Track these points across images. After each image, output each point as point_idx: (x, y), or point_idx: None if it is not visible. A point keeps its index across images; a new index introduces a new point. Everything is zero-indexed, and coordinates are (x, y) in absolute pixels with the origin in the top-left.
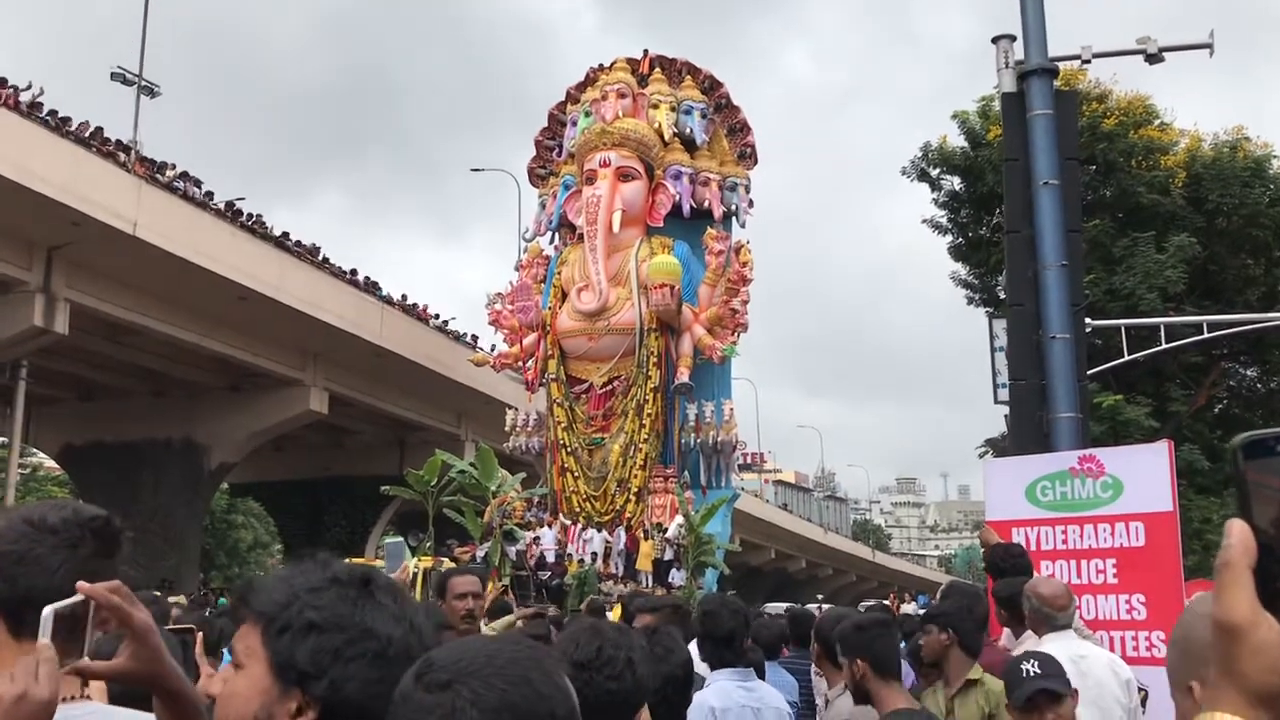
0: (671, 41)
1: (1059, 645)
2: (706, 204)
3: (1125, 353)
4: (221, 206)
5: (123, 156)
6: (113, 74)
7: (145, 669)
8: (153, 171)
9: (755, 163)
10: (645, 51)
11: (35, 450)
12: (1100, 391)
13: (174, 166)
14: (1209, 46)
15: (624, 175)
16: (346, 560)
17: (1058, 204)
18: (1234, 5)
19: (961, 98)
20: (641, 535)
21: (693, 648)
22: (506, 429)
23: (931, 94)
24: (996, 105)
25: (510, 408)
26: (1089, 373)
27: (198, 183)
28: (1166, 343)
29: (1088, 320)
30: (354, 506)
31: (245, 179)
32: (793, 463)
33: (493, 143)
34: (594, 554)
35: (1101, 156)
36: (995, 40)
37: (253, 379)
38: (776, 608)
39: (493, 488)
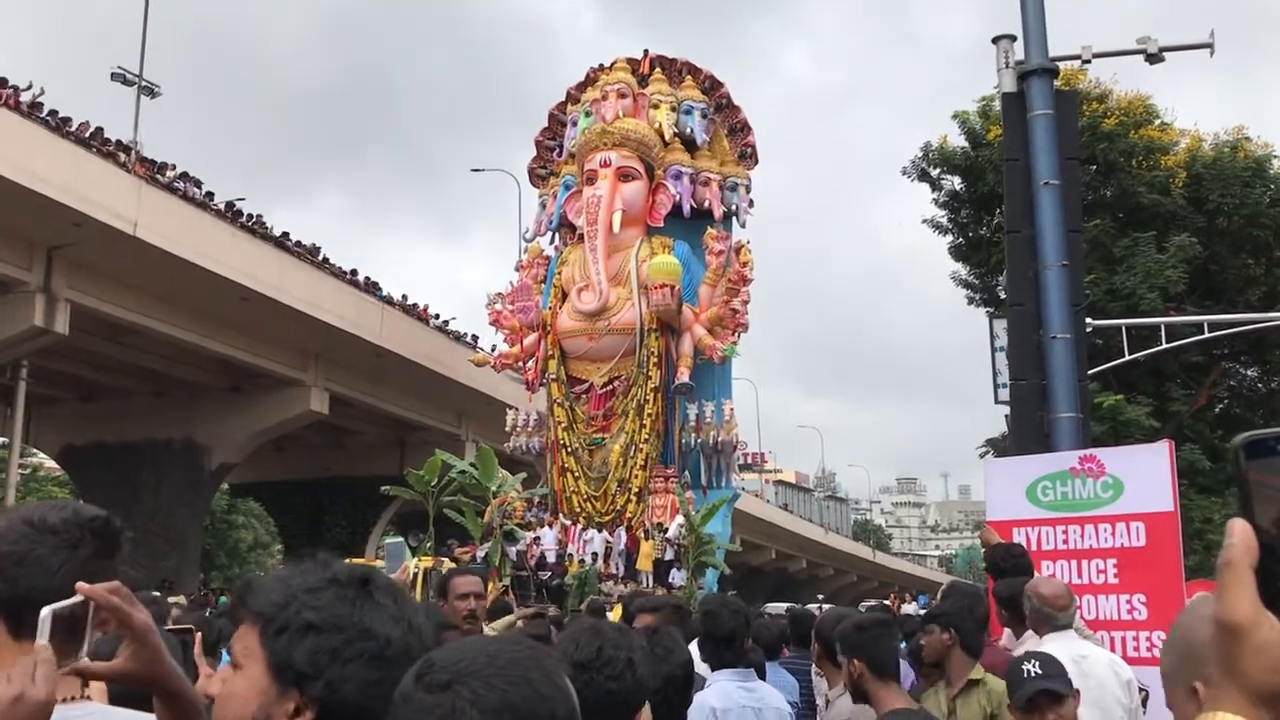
0: (671, 41)
1: (1060, 645)
2: (707, 204)
3: (1126, 353)
4: (222, 207)
5: (123, 157)
6: (113, 74)
7: (145, 669)
8: (153, 172)
9: (756, 163)
10: (646, 51)
11: (36, 450)
12: (1101, 391)
13: (174, 167)
14: (1209, 46)
15: (624, 175)
16: (347, 560)
17: (1058, 204)
18: (1234, 5)
19: (962, 98)
20: (642, 535)
21: (693, 648)
22: (507, 429)
23: (931, 94)
24: (997, 105)
25: (511, 408)
26: (1089, 373)
27: (198, 183)
28: (1167, 343)
29: (1088, 320)
30: (354, 507)
31: (245, 179)
32: (793, 463)
33: (493, 143)
34: (594, 554)
35: (1102, 156)
36: (995, 40)
37: (253, 379)
38: (777, 608)
39: (493, 488)
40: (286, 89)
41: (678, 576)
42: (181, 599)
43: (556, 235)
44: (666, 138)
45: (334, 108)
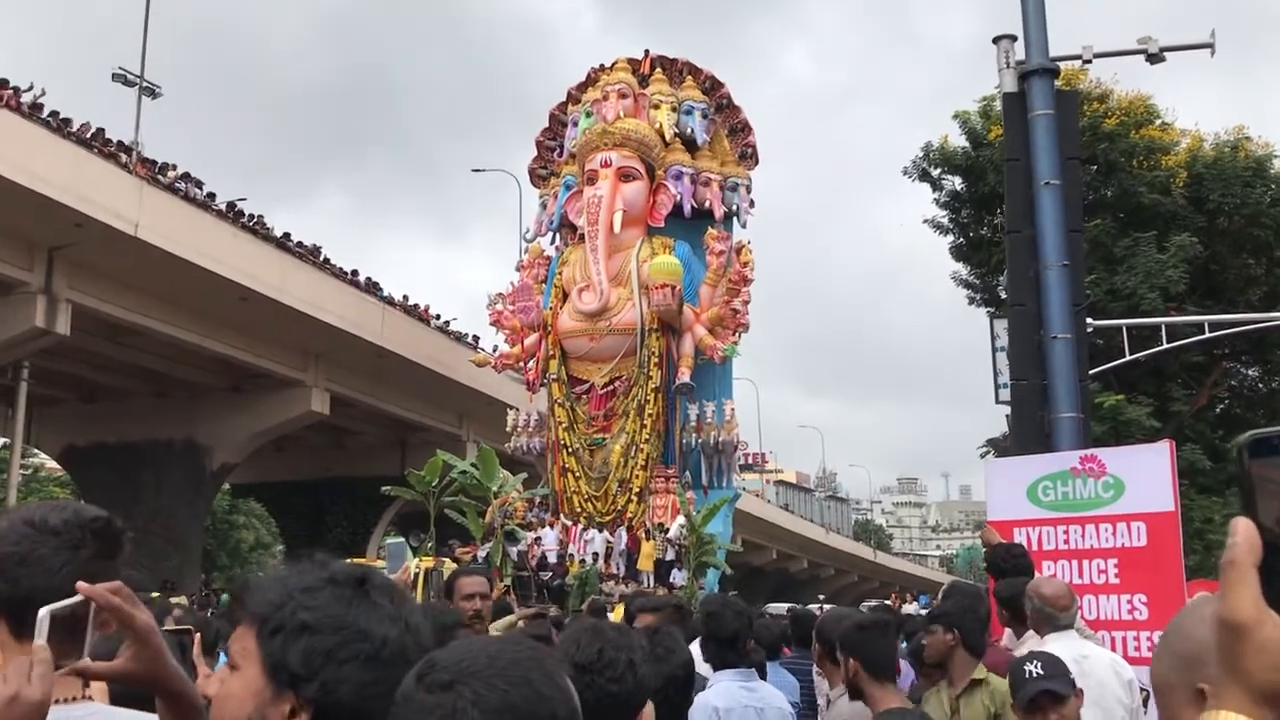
0: (671, 41)
1: (1061, 645)
2: (707, 204)
3: (1127, 352)
4: (223, 207)
5: (124, 157)
6: (114, 75)
7: (146, 670)
8: (154, 172)
9: (756, 163)
10: (646, 52)
11: (37, 451)
12: (1102, 391)
13: (175, 167)
14: (1210, 46)
15: (625, 175)
16: (347, 561)
17: (1059, 204)
18: (1235, 5)
19: (962, 98)
20: (643, 535)
21: (694, 648)
22: (508, 429)
23: (932, 94)
24: (998, 105)
25: (511, 408)
26: (1090, 373)
27: (199, 184)
28: (1168, 342)
29: (1089, 320)
30: (355, 507)
31: (246, 180)
32: (794, 463)
33: (493, 143)
34: (595, 554)
35: (1103, 156)
36: (996, 40)
37: (254, 380)
38: (778, 608)
39: (494, 488)
40: (287, 89)
41: (679, 577)
42: (183, 599)
43: (557, 235)
44: (667, 138)
45: (334, 108)
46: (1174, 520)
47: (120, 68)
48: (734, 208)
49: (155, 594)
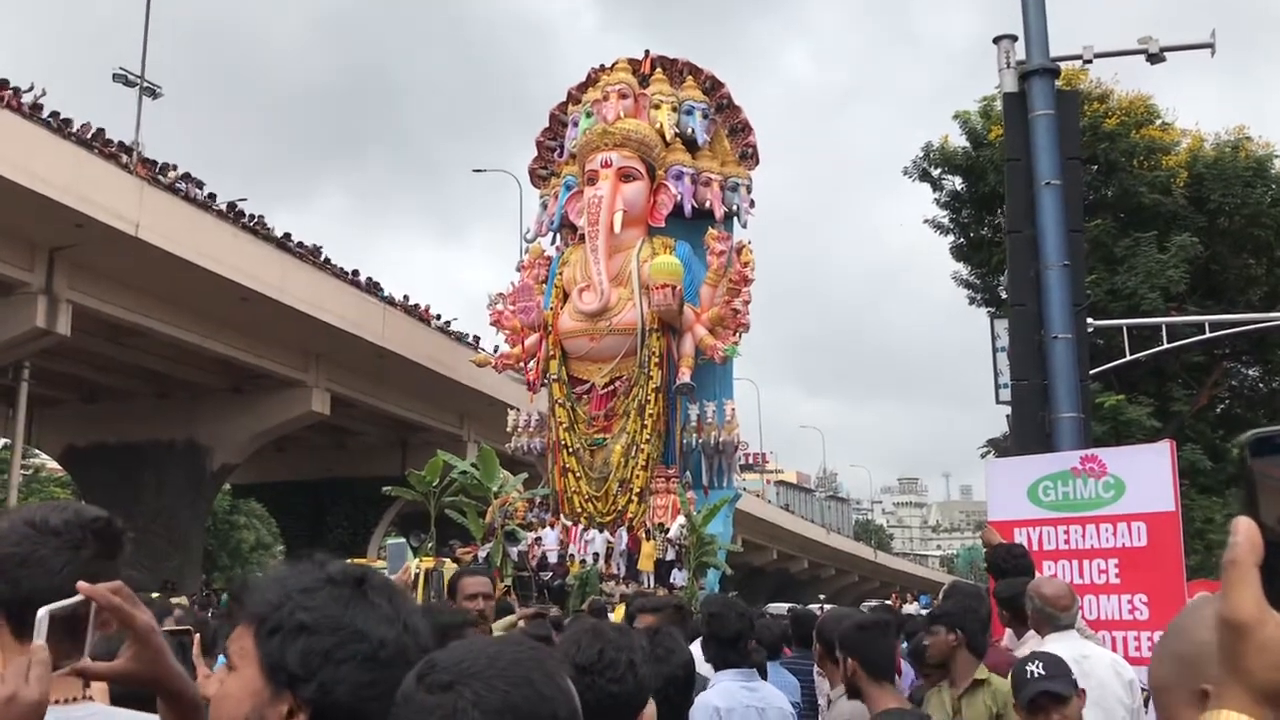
0: (671, 41)
1: (1062, 646)
2: (708, 204)
3: (1127, 352)
4: (223, 208)
5: (125, 158)
6: (114, 75)
7: (147, 670)
8: (154, 173)
9: (756, 163)
10: (646, 52)
11: (38, 451)
12: (1102, 391)
13: (175, 168)
14: (1210, 46)
15: (625, 176)
16: (348, 561)
17: (1059, 204)
18: (1235, 5)
19: (962, 97)
20: (643, 536)
21: (694, 648)
22: (508, 430)
23: (932, 94)
24: (998, 105)
25: (512, 408)
26: (1091, 373)
27: (199, 184)
28: (1168, 342)
29: (1089, 320)
30: (356, 507)
31: (246, 180)
32: (794, 463)
33: (494, 143)
34: (596, 554)
35: (1103, 156)
36: (997, 40)
37: (255, 380)
38: (779, 608)
39: (494, 488)
40: (287, 89)
41: (679, 577)
42: (184, 599)
43: (558, 236)
44: (667, 138)
45: (334, 108)
46: (1175, 520)
47: (121, 68)
48: (734, 208)
49: (155, 594)
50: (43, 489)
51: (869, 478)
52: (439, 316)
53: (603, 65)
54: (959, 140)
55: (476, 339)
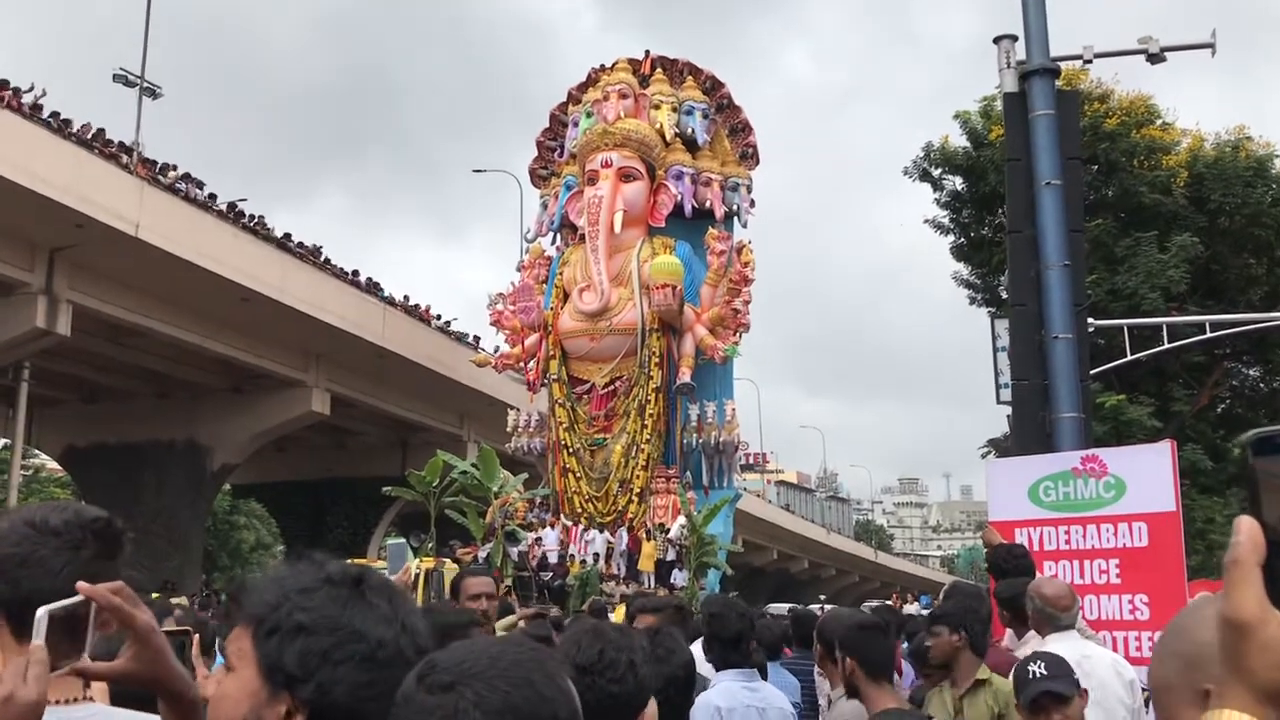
0: (672, 41)
1: (1063, 646)
2: (708, 204)
3: (1128, 352)
4: (224, 208)
5: (125, 158)
6: (114, 75)
7: (147, 670)
8: (155, 173)
9: (757, 163)
10: (647, 52)
11: (38, 452)
12: (1103, 391)
13: (176, 168)
14: (1211, 46)
15: (626, 176)
16: (348, 561)
17: (1060, 204)
18: (1235, 5)
19: (963, 97)
20: (644, 536)
21: (695, 649)
22: (509, 430)
23: (932, 94)
24: (998, 105)
25: (512, 408)
26: (1091, 373)
27: (200, 184)
28: (1169, 342)
29: (1090, 320)
30: (356, 508)
31: (247, 180)
32: (795, 463)
33: (494, 143)
34: (596, 555)
35: (1103, 156)
36: (997, 40)
37: (255, 380)
38: (779, 608)
39: (495, 488)
40: (287, 89)
41: (679, 577)
42: (184, 600)
43: (558, 236)
44: (668, 138)
45: (334, 108)
46: (1175, 520)
47: (121, 68)
48: (734, 208)
49: (155, 594)
50: (43, 489)
51: (869, 478)
52: (439, 317)
53: (603, 65)
54: (959, 140)
55: (477, 339)
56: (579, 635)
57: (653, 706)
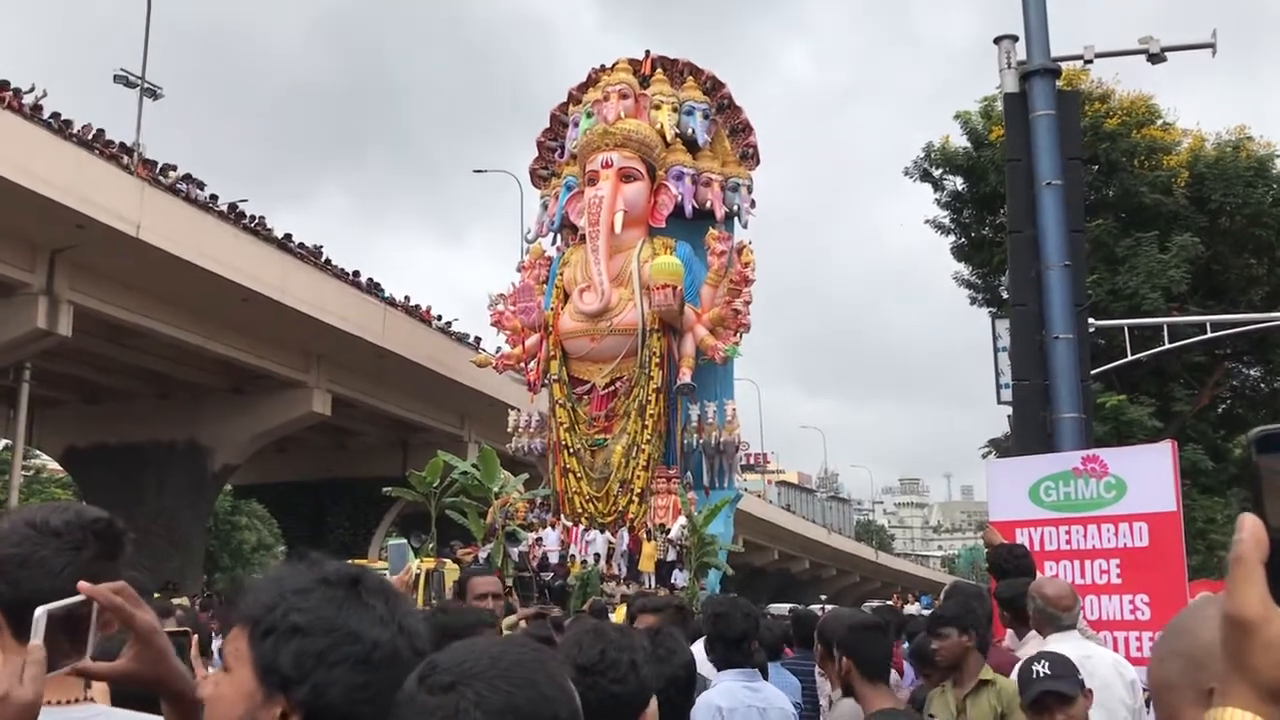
0: (672, 41)
1: (1064, 646)
2: (709, 204)
3: (1128, 353)
4: (224, 209)
5: (126, 159)
6: (115, 76)
7: (149, 670)
8: (155, 174)
9: (757, 163)
10: (647, 52)
11: (39, 452)
12: (1103, 391)
13: (176, 168)
14: (1211, 46)
15: (626, 176)
16: (348, 561)
17: (1060, 204)
18: (1236, 5)
19: (963, 98)
20: (644, 536)
21: (696, 649)
22: (509, 430)
23: (932, 94)
24: (999, 105)
25: (513, 409)
26: (1092, 373)
27: (200, 185)
28: (1170, 343)
29: (1091, 320)
30: (357, 508)
31: (247, 181)
32: (795, 463)
33: (494, 143)
34: (596, 555)
35: (1104, 156)
36: (997, 41)
37: (256, 381)
38: (780, 608)
39: (495, 489)
40: (287, 90)
41: (680, 577)
42: (185, 600)
43: (558, 236)
44: (668, 138)
45: (335, 108)
46: (1176, 520)
47: (121, 69)
48: (735, 208)
49: (156, 594)
50: (44, 490)
51: (870, 478)
52: (439, 317)
53: (603, 66)
54: (960, 140)
55: (477, 339)
56: (580, 635)
57: (653, 707)
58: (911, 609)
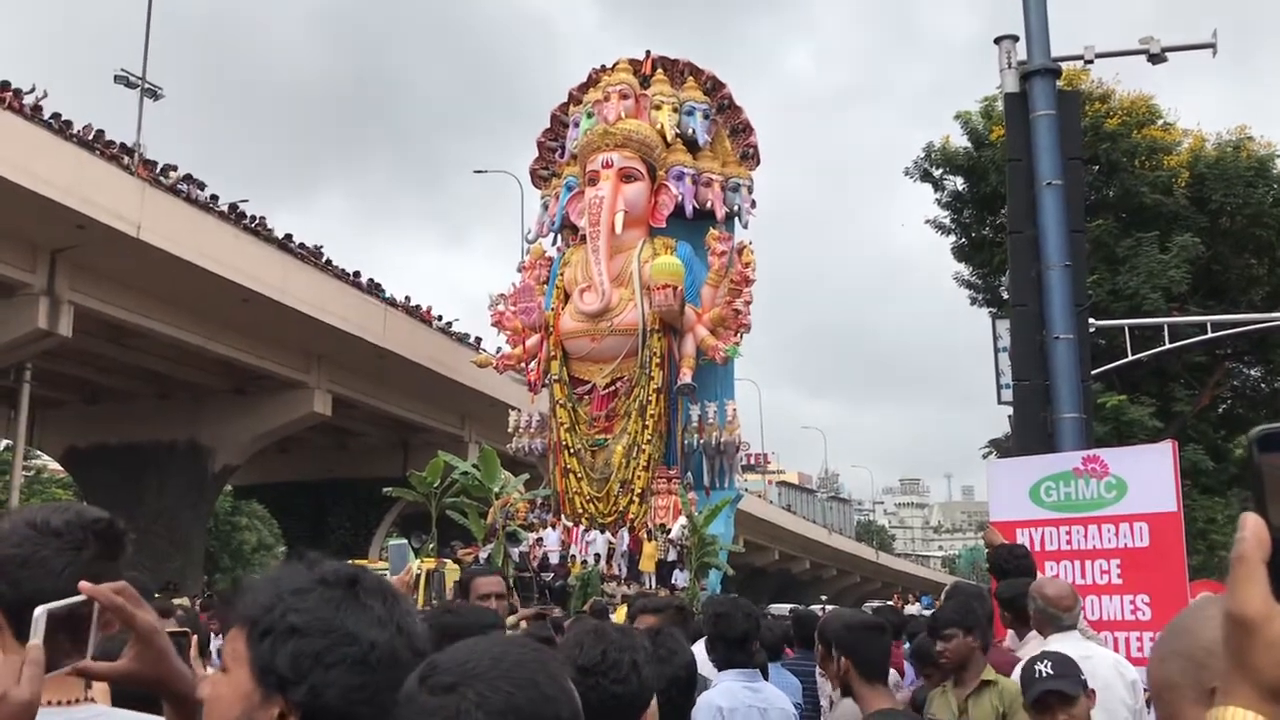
0: (672, 42)
1: (1064, 646)
2: (709, 205)
3: (1129, 353)
4: (225, 209)
5: (126, 159)
6: (116, 76)
7: (150, 670)
8: (156, 174)
9: (757, 163)
10: (648, 52)
11: (39, 453)
12: (1104, 392)
13: (177, 169)
14: (1212, 46)
15: (626, 176)
16: (348, 561)
17: (1061, 204)
18: (1236, 5)
19: (963, 98)
20: (645, 536)
21: (696, 649)
22: (509, 430)
23: (933, 94)
24: (999, 105)
25: (513, 409)
26: (1093, 373)
27: (201, 185)
28: (1170, 343)
29: (1091, 320)
30: (357, 508)
31: (248, 181)
32: (796, 464)
33: (495, 144)
34: (597, 555)
35: (1104, 156)
36: (998, 41)
37: (257, 381)
38: (781, 609)
39: (496, 489)
40: (288, 90)
41: (680, 578)
42: (185, 600)
43: (559, 236)
44: (668, 138)
45: (335, 108)
46: (1177, 521)
47: (122, 69)
48: (735, 208)
49: (157, 594)
50: (44, 490)
51: (871, 478)
52: (440, 317)
53: (604, 66)
54: (960, 140)
55: (478, 340)
56: (581, 636)
57: (653, 707)
58: (912, 609)
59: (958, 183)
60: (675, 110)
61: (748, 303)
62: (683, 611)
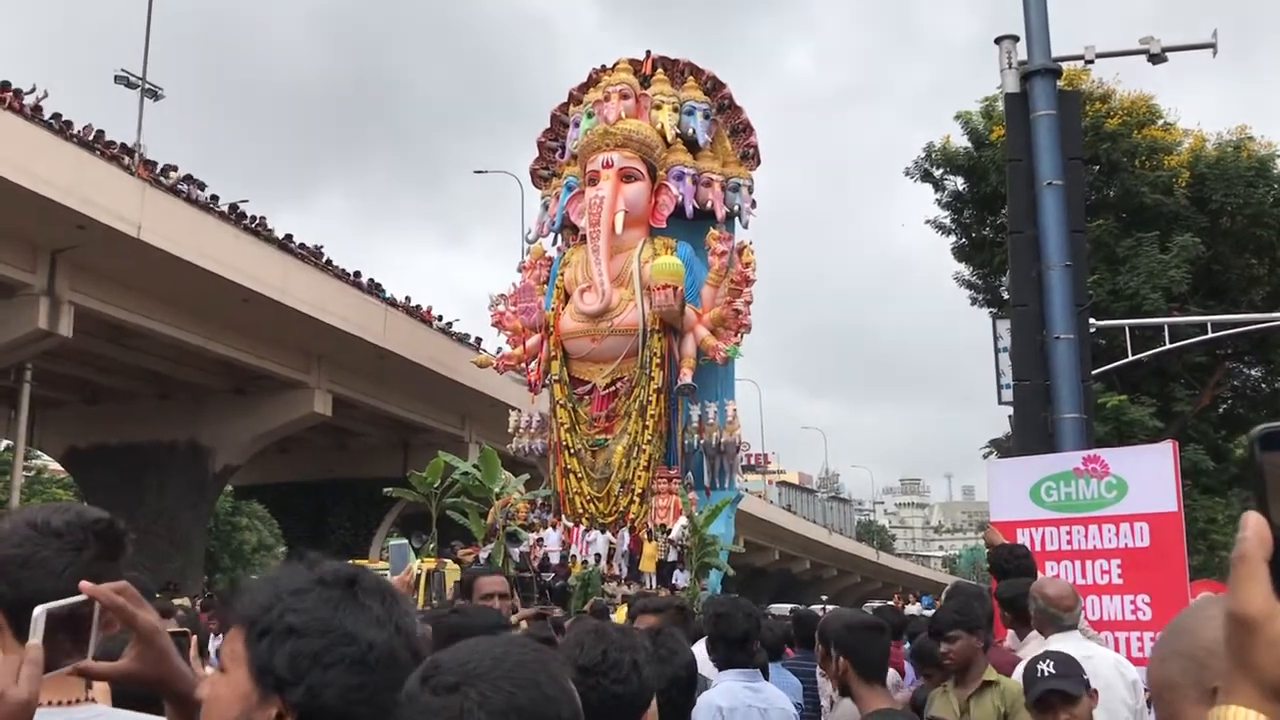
0: (673, 41)
1: (1065, 646)
2: (709, 205)
3: (1129, 353)
4: (225, 209)
5: (126, 159)
6: (116, 77)
7: (151, 670)
8: (156, 174)
9: (758, 163)
10: (648, 52)
11: (40, 453)
12: (1104, 392)
13: (177, 169)
14: (1212, 46)
15: (627, 176)
16: (348, 562)
17: (1061, 204)
18: (1236, 5)
19: (964, 98)
20: (645, 536)
21: (697, 649)
22: (510, 430)
23: (933, 94)
24: (1000, 105)
25: (513, 409)
26: (1093, 373)
27: (201, 185)
28: (1171, 343)
29: (1092, 320)
30: (358, 508)
31: (248, 181)
32: (796, 464)
33: (495, 144)
34: (597, 555)
35: (1105, 156)
36: (998, 41)
37: (257, 381)
38: (781, 609)
39: (496, 489)
40: (288, 90)
41: (681, 578)
42: (185, 601)
43: (559, 236)
44: (669, 138)
45: (335, 109)
46: (1177, 521)
47: (122, 69)
48: (736, 208)
49: (157, 594)
50: (45, 490)
51: (871, 478)
52: (440, 318)
53: (604, 66)
54: (960, 140)
55: (478, 340)
56: (582, 636)
57: (653, 708)
58: (912, 609)
59: (958, 183)
60: (675, 110)
61: (748, 303)
62: (683, 612)
